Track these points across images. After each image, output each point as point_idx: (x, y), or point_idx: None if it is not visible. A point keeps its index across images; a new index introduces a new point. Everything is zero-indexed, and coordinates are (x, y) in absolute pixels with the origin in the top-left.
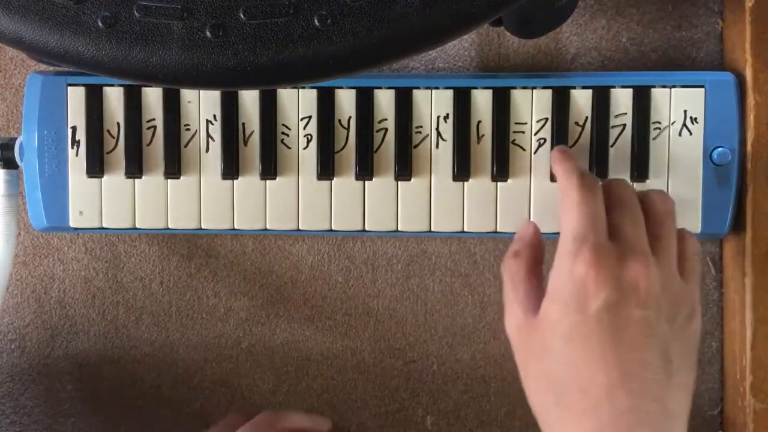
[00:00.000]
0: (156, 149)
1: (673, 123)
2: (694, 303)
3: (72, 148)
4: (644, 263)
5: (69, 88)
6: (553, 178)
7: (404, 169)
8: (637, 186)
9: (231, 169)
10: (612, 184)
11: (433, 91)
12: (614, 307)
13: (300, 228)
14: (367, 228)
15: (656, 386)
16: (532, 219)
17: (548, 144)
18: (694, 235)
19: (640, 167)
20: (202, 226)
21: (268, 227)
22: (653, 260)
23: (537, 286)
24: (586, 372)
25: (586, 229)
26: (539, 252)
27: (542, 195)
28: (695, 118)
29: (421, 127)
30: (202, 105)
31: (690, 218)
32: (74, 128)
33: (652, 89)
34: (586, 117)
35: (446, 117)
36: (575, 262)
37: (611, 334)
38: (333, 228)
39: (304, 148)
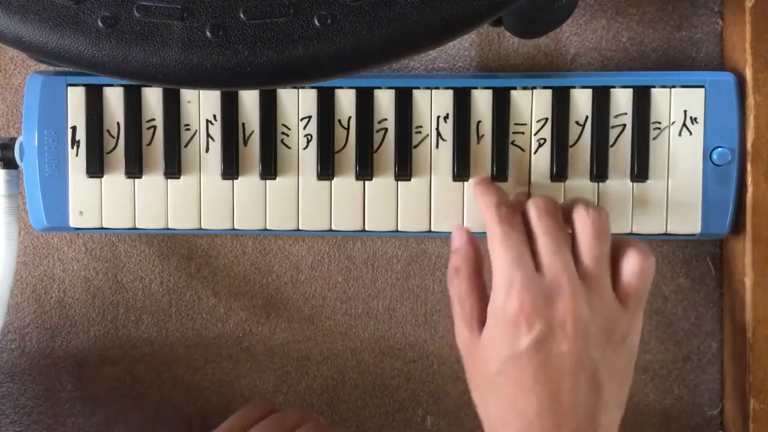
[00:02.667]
0: (156, 149)
1: (673, 123)
2: (629, 326)
3: (72, 148)
4: (570, 299)
5: (69, 88)
6: (553, 179)
7: (404, 169)
8: (637, 186)
9: (231, 169)
10: (533, 211)
11: (433, 91)
12: (544, 343)
13: (300, 228)
14: (367, 228)
15: (585, 407)
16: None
17: (548, 144)
18: (695, 235)
19: (640, 167)
20: (202, 226)
21: (268, 227)
22: (581, 290)
23: (480, 299)
24: (519, 398)
25: (513, 268)
26: (478, 262)
27: (542, 195)
28: (695, 118)
29: (421, 127)
30: (202, 105)
31: (690, 218)
32: (74, 128)
33: (652, 89)
34: (586, 117)
35: (446, 117)
36: (506, 301)
37: (542, 368)
38: (333, 228)
39: (304, 148)
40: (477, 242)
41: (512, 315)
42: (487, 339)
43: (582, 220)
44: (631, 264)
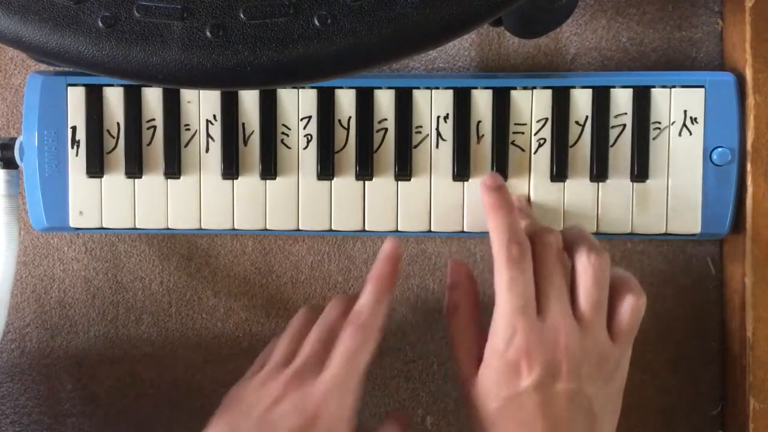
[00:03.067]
0: (156, 149)
1: (673, 123)
2: (618, 360)
3: (72, 148)
4: (566, 344)
5: (69, 88)
6: (553, 179)
7: (404, 169)
8: (637, 186)
9: (231, 169)
10: (541, 254)
11: (433, 91)
12: (541, 385)
13: (300, 228)
14: (367, 228)
15: None
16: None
17: (548, 144)
18: (695, 235)
19: (640, 167)
20: (202, 226)
21: (268, 227)
22: (576, 334)
23: (477, 335)
24: None
25: (516, 314)
26: (475, 296)
27: (542, 195)
28: (695, 118)
29: (421, 127)
30: (202, 105)
31: (690, 218)
32: (74, 128)
33: (652, 89)
34: (586, 117)
35: (446, 117)
36: (508, 346)
37: (540, 407)
38: (333, 228)
39: (304, 148)
40: (474, 278)
41: (513, 359)
42: (485, 378)
43: (584, 266)
44: (626, 306)
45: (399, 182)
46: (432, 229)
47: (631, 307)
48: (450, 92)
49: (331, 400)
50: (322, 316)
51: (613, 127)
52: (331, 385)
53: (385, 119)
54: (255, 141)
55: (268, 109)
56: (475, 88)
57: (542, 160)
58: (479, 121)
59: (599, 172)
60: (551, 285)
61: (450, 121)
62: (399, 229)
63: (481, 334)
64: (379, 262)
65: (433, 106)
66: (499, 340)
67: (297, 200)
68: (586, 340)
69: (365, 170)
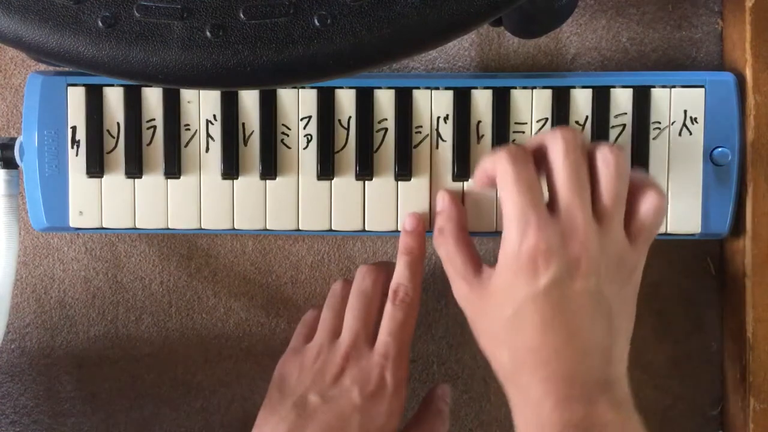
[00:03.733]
0: (156, 149)
1: (673, 123)
2: (636, 262)
3: (72, 148)
4: (585, 238)
5: (69, 88)
6: None
7: (404, 169)
8: None
9: (231, 169)
10: (559, 144)
11: (433, 91)
12: (560, 282)
13: (300, 228)
14: (367, 228)
15: (599, 341)
16: None
17: None
18: (695, 235)
19: (640, 167)
20: (202, 226)
21: (268, 227)
22: (594, 230)
23: (469, 252)
24: (537, 337)
25: (527, 208)
26: (461, 219)
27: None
28: (695, 118)
29: (421, 127)
30: (202, 105)
31: (690, 218)
32: (74, 128)
33: (652, 89)
34: (586, 117)
35: (446, 117)
36: (522, 242)
37: (558, 305)
38: (333, 228)
39: (304, 148)
40: (460, 203)
41: (528, 255)
42: (499, 283)
43: (605, 158)
44: (648, 204)
45: (399, 182)
46: (432, 229)
47: (653, 205)
48: (450, 92)
49: (388, 373)
50: (358, 286)
51: (613, 127)
52: (386, 359)
53: (385, 119)
54: (255, 141)
55: (268, 109)
56: (475, 88)
57: None
58: (479, 121)
59: None
60: (571, 178)
61: (450, 121)
62: (399, 229)
63: (474, 250)
64: (404, 236)
65: (433, 106)
66: (511, 239)
67: (297, 200)
68: (605, 237)
69: (365, 170)
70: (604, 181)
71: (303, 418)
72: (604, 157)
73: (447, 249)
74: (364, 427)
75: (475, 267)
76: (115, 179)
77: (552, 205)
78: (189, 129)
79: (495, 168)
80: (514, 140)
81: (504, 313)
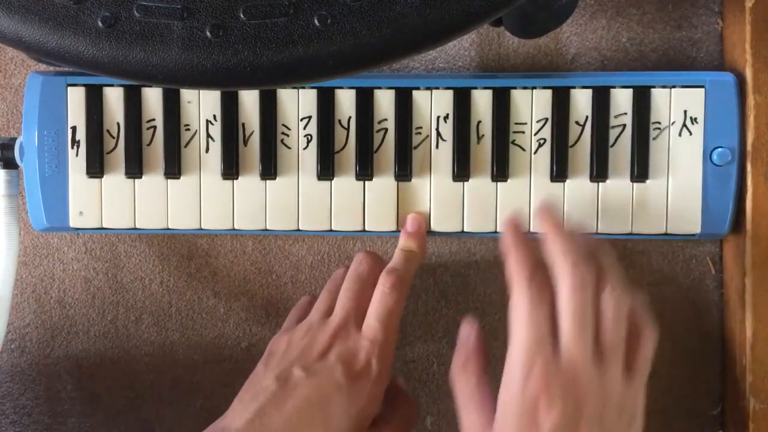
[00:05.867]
0: (156, 149)
1: (673, 123)
2: (635, 401)
3: (72, 148)
4: (588, 382)
5: (69, 88)
6: (553, 179)
7: (404, 169)
8: (637, 186)
9: (231, 169)
10: (567, 283)
11: (433, 91)
12: (563, 427)
13: (300, 228)
14: (367, 228)
15: None
16: (530, 218)
17: (548, 144)
18: (695, 235)
19: (640, 167)
20: (202, 226)
21: (268, 227)
22: (595, 375)
23: (486, 395)
24: None
25: (536, 347)
26: (484, 358)
27: (542, 195)
28: (695, 118)
29: (421, 127)
30: (202, 105)
31: (690, 218)
32: (74, 128)
33: (652, 89)
34: (586, 117)
35: (446, 117)
36: (527, 384)
37: None
38: (333, 228)
39: (304, 148)
40: (485, 340)
41: (531, 400)
42: (502, 425)
43: (609, 304)
44: (643, 347)
45: (399, 182)
46: (432, 230)
47: (646, 347)
48: (450, 92)
49: (374, 358)
50: (354, 269)
51: (613, 127)
52: (373, 344)
53: (385, 119)
54: (255, 141)
55: (268, 109)
56: (475, 88)
57: (542, 160)
58: (479, 121)
59: (599, 172)
60: (576, 324)
61: (450, 121)
62: (399, 229)
63: (489, 394)
64: (405, 236)
65: (433, 106)
66: (514, 382)
67: (297, 200)
68: (605, 381)
69: (365, 170)
70: (610, 326)
71: (284, 390)
72: (609, 299)
73: (468, 386)
74: (343, 407)
75: (489, 413)
76: (115, 179)
77: (554, 331)
78: (189, 129)
79: (513, 293)
80: (513, 140)
81: None
